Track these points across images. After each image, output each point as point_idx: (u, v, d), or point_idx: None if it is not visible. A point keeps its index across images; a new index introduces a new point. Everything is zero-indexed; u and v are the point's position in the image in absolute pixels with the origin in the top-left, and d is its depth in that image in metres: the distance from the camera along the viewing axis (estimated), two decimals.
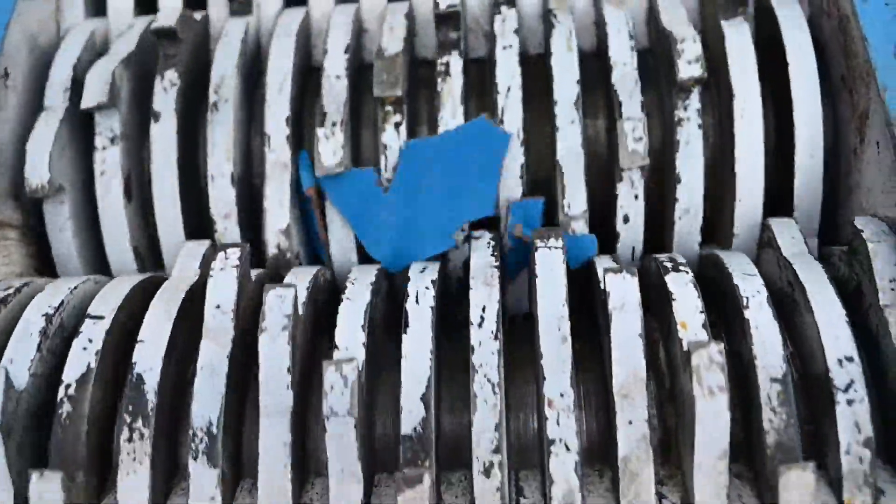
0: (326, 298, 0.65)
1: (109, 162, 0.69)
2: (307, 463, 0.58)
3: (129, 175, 0.71)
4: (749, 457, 0.55)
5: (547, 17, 0.72)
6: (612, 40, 0.69)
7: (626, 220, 0.69)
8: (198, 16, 0.75)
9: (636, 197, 0.67)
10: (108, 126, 0.68)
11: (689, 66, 0.66)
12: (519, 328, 0.63)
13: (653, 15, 0.73)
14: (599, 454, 0.58)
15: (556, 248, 0.59)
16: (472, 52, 0.76)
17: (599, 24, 0.73)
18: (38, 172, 0.67)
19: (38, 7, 0.75)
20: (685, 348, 0.51)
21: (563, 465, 0.52)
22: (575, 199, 0.67)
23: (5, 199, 0.70)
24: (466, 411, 0.55)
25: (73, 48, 0.72)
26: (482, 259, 0.61)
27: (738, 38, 0.68)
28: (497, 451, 0.53)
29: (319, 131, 0.67)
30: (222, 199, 0.69)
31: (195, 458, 0.53)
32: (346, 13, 0.73)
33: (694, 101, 0.67)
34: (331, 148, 0.67)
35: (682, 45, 0.66)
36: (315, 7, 0.76)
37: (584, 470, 0.56)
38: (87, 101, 0.68)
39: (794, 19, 0.69)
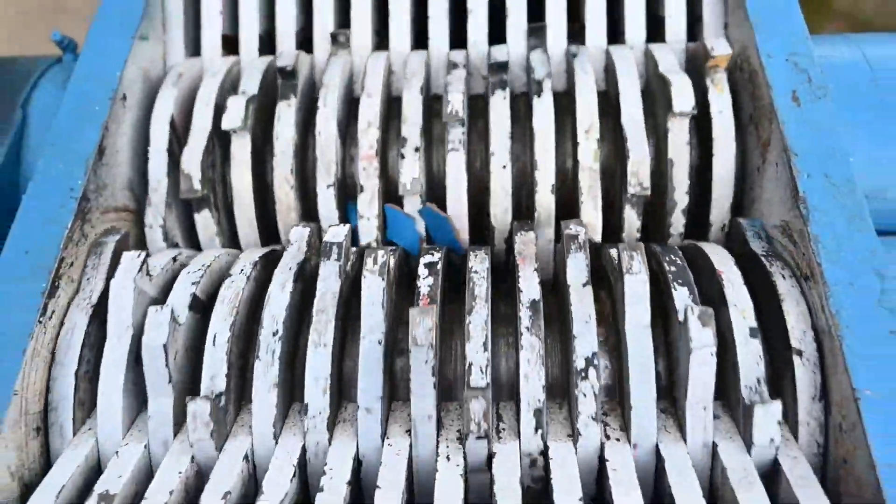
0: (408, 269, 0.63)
1: (245, 178, 0.66)
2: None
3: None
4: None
5: (570, 62, 0.68)
6: (623, 85, 0.65)
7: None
8: (308, 57, 0.71)
9: (638, 216, 0.63)
10: (242, 144, 0.65)
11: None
12: (505, 294, 0.59)
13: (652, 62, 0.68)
14: (560, 391, 0.54)
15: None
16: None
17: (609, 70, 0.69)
18: (192, 179, 0.64)
19: (149, 48, 0.72)
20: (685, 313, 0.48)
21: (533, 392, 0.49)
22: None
23: (123, 189, 0.66)
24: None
25: (212, 84, 0.69)
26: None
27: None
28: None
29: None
30: (326, 205, 0.65)
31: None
32: (420, 56, 0.70)
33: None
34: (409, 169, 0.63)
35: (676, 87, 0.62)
36: (395, 52, 0.72)
37: (548, 402, 0.52)
38: (225, 124, 0.65)
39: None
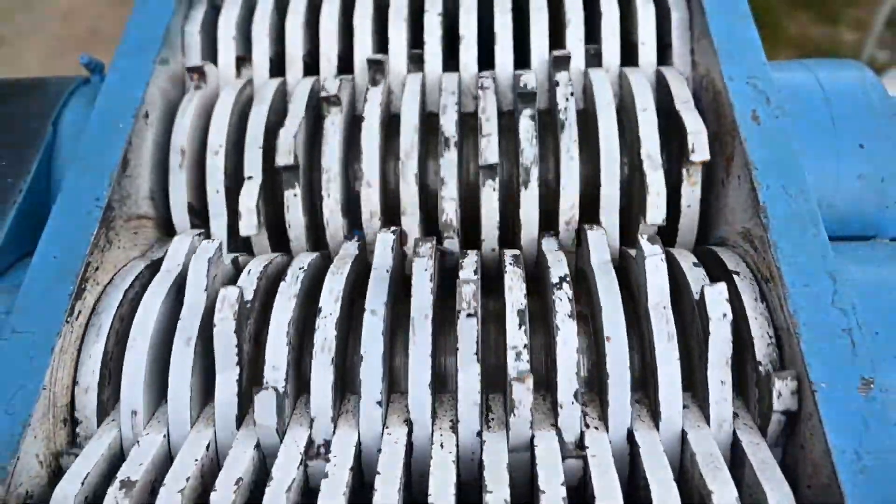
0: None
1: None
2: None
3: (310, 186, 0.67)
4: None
5: (589, 85, 0.68)
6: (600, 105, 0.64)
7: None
8: (349, 80, 0.70)
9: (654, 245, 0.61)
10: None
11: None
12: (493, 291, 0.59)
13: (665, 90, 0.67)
14: (545, 384, 0.54)
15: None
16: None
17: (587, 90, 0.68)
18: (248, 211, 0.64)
19: (169, 70, 0.72)
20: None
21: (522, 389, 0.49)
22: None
23: (145, 199, 0.66)
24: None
25: (227, 100, 0.69)
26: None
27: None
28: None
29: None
30: (370, 200, 0.64)
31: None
32: (453, 79, 0.70)
33: None
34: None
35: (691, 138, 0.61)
36: (430, 74, 0.71)
37: (534, 394, 0.52)
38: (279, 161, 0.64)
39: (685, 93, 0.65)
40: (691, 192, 0.63)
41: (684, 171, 0.62)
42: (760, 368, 0.50)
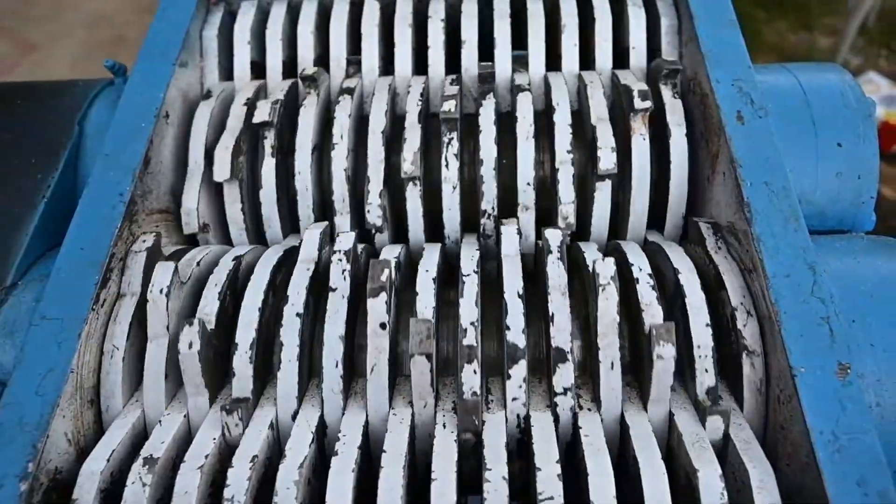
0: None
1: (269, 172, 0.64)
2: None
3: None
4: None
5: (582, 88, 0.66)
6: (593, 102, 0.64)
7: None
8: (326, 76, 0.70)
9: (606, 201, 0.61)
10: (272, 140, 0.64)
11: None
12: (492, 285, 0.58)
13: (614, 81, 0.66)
14: (540, 367, 0.53)
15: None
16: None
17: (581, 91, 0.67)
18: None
19: (188, 73, 0.71)
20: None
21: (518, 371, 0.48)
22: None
23: (166, 194, 0.65)
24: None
25: (243, 98, 0.67)
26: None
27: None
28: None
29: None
30: (340, 196, 0.63)
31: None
32: (419, 82, 0.68)
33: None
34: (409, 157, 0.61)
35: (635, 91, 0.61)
36: (399, 76, 0.70)
37: (530, 376, 0.51)
38: (257, 118, 0.63)
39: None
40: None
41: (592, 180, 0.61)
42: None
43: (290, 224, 0.67)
